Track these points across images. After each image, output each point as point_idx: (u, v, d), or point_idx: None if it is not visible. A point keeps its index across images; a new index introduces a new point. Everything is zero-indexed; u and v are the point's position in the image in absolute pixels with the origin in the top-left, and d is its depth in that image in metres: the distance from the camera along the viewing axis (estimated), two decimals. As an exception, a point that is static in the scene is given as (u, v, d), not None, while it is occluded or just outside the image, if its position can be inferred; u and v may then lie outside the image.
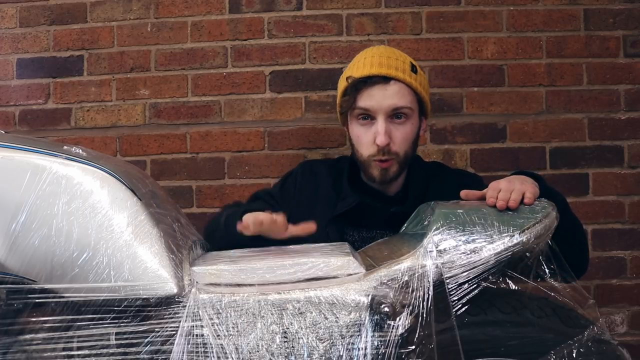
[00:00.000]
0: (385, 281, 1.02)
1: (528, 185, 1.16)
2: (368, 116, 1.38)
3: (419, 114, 1.45)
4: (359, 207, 1.43)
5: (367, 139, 1.39)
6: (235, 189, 1.96)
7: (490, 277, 1.04)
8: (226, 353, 0.98)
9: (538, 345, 1.05)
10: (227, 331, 0.99)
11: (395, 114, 1.37)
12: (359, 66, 1.41)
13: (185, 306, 1.00)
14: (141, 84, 1.98)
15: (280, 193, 1.52)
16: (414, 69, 1.41)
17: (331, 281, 1.02)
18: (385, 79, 1.36)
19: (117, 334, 0.99)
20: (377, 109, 1.36)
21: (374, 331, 1.00)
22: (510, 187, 1.14)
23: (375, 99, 1.36)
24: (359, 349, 0.99)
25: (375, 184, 1.45)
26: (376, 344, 0.99)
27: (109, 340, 0.99)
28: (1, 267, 0.97)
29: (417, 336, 0.99)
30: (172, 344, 0.98)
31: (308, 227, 1.21)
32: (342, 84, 1.44)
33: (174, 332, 0.98)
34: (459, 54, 1.96)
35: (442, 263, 1.02)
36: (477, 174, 1.61)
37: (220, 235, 1.35)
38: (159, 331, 0.99)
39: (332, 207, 1.44)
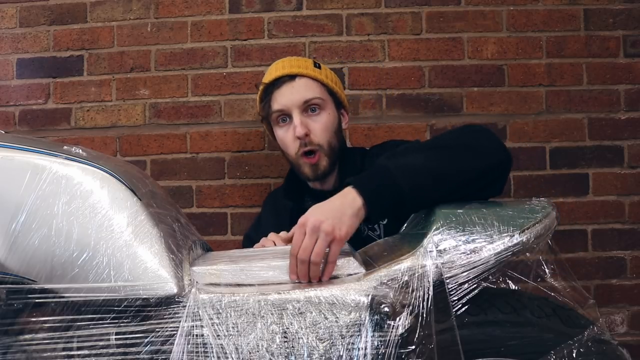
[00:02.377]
0: (385, 281, 1.02)
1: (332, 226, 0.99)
2: (285, 116, 1.47)
3: (336, 106, 1.52)
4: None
5: (289, 138, 1.46)
6: (235, 189, 1.96)
7: (490, 277, 1.04)
8: (226, 353, 0.98)
9: (538, 345, 1.05)
10: (227, 331, 0.99)
11: (308, 107, 1.46)
12: (267, 75, 1.53)
13: (185, 306, 1.00)
14: (141, 84, 1.98)
15: (256, 234, 1.50)
16: (316, 65, 1.51)
17: (331, 281, 1.02)
18: (290, 77, 1.46)
19: (117, 334, 0.98)
20: (290, 105, 1.44)
21: (374, 331, 0.99)
22: (312, 237, 0.98)
23: (285, 96, 1.45)
24: (359, 349, 0.99)
25: (313, 183, 1.52)
26: (376, 344, 0.99)
27: (109, 340, 0.98)
28: (1, 267, 0.97)
29: (417, 336, 0.99)
30: (172, 344, 0.98)
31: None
32: (258, 94, 1.55)
33: (174, 332, 0.98)
34: (459, 54, 1.96)
35: (442, 263, 1.02)
36: (409, 140, 1.56)
37: None
38: (159, 331, 0.99)
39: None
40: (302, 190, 1.56)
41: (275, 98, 1.47)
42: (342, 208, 1.01)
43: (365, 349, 0.99)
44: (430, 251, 1.03)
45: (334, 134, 1.49)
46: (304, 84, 1.46)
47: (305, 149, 1.44)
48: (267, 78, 1.51)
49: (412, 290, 1.01)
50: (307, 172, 1.47)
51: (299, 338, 1.00)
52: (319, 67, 1.52)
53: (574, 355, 1.03)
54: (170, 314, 1.00)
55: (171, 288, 0.99)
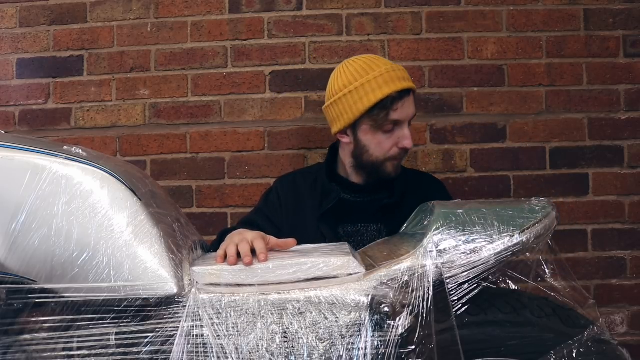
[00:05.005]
0: (385, 281, 1.02)
1: None
2: (395, 125, 1.48)
3: None
4: (343, 203, 1.52)
5: (389, 144, 1.48)
6: (235, 189, 1.96)
7: (490, 277, 1.04)
8: (226, 353, 0.98)
9: (538, 345, 1.05)
10: (227, 331, 0.99)
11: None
12: (386, 81, 1.44)
13: (185, 306, 1.00)
14: (141, 84, 1.98)
15: (267, 207, 1.57)
16: None
17: (331, 281, 1.02)
18: (408, 91, 1.47)
19: (117, 334, 0.99)
20: (407, 118, 1.48)
21: (374, 331, 1.00)
22: None
23: (406, 110, 1.47)
24: (359, 349, 0.99)
25: (358, 177, 1.56)
26: (376, 344, 0.99)
27: (109, 340, 0.99)
28: (1, 267, 0.97)
29: (417, 336, 0.99)
30: (172, 344, 0.98)
31: (288, 242, 1.20)
32: (367, 99, 1.45)
33: (174, 332, 0.98)
34: (459, 54, 1.96)
35: (442, 263, 1.02)
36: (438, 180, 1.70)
37: None
38: (159, 331, 0.99)
39: (318, 207, 1.52)
40: (336, 181, 1.58)
41: (397, 108, 1.45)
42: None
43: (365, 349, 0.99)
44: (430, 251, 1.03)
45: None
46: (413, 99, 1.49)
47: (402, 156, 1.52)
48: (393, 87, 1.44)
49: (412, 290, 1.01)
50: (390, 170, 1.51)
51: (299, 338, 1.00)
52: None
53: (574, 355, 1.03)
54: (170, 314, 1.00)
55: (171, 288, 0.99)
